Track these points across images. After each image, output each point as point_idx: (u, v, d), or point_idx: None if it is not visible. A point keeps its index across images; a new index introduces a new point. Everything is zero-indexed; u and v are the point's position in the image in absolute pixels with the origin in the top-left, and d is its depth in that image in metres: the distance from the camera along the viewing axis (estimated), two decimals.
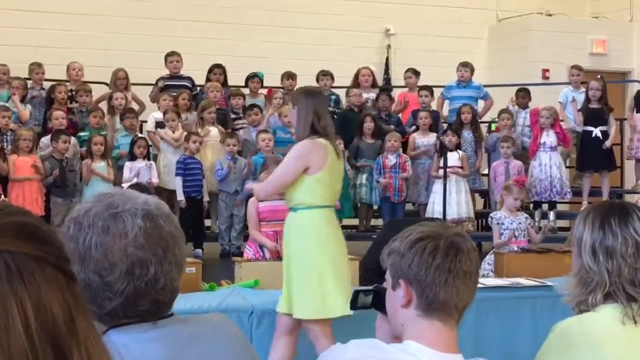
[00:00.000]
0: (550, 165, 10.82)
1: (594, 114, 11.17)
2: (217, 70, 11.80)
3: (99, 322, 1.78)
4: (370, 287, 2.47)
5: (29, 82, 11.25)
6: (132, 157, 10.07)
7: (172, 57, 11.64)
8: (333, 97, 11.96)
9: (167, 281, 1.83)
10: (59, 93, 10.86)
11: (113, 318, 1.81)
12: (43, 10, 13.17)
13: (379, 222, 11.13)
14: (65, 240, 1.76)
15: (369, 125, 10.85)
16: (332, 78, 11.99)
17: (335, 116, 11.34)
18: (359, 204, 11.02)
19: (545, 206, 11.06)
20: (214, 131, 10.59)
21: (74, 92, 11.11)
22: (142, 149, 10.04)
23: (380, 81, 13.78)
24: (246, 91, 11.84)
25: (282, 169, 5.45)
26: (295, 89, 11.67)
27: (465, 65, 11.99)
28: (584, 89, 11.66)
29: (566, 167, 11.34)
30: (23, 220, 1.00)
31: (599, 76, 11.52)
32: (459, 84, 11.96)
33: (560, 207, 11.26)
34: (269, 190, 5.58)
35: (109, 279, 1.77)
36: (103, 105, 11.34)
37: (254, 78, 11.91)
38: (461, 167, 10.54)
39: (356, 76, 12.11)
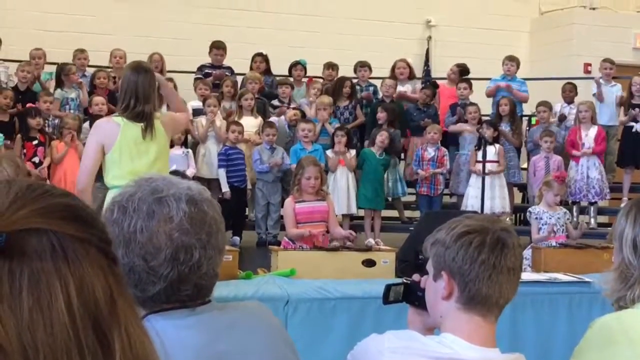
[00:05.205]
0: (587, 167, 10.70)
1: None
2: (258, 59, 11.80)
3: (141, 307, 1.80)
4: (400, 281, 2.45)
5: (73, 68, 11.33)
6: (170, 145, 10.04)
7: (217, 50, 11.64)
8: (371, 87, 11.93)
9: (209, 267, 1.84)
10: (99, 79, 10.96)
11: (155, 302, 1.82)
12: None
13: (416, 214, 11.09)
14: (108, 224, 1.77)
15: (379, 115, 10.85)
16: (370, 69, 11.94)
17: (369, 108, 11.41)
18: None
19: (584, 202, 10.95)
20: (250, 121, 10.56)
21: (116, 79, 11.19)
22: (178, 136, 10.00)
23: (420, 73, 13.73)
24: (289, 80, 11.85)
25: (83, 154, 5.57)
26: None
27: (512, 59, 11.90)
28: (615, 83, 11.57)
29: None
30: (67, 202, 1.01)
31: None
32: (504, 77, 11.90)
33: (600, 203, 11.14)
34: (81, 179, 5.36)
35: (153, 264, 1.78)
36: None
37: (297, 66, 11.95)
38: (497, 162, 10.44)
39: (393, 69, 12.06)
